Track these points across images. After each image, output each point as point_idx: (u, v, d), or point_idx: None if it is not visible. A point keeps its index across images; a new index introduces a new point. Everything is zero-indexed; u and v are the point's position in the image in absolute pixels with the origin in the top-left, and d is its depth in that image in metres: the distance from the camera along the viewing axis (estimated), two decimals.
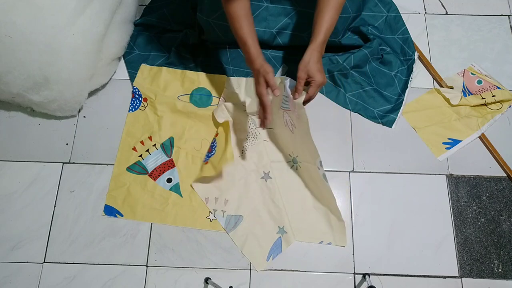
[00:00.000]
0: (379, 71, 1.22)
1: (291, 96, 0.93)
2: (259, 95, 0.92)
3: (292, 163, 1.13)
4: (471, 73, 1.18)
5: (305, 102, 0.94)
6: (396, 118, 1.17)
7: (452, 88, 1.20)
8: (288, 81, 0.94)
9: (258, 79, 0.91)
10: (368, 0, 1.26)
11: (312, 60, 0.89)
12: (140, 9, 1.34)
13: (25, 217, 1.09)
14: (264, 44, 1.20)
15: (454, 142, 1.13)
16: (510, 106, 1.17)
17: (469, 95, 1.18)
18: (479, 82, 1.19)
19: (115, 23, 1.18)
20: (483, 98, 1.16)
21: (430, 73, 1.25)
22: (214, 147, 1.13)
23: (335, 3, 0.89)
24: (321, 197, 1.09)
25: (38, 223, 1.08)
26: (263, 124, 0.95)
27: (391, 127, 1.17)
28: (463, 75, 1.20)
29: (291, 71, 1.21)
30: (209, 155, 1.12)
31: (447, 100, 1.18)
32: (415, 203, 1.10)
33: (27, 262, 1.05)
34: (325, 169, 1.03)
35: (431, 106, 1.19)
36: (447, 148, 1.13)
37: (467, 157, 1.15)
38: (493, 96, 1.15)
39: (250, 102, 1.17)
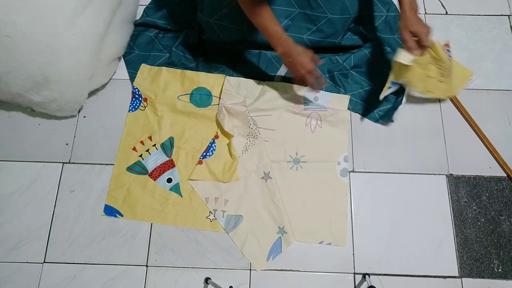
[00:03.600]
0: (379, 70, 1.21)
1: None
2: (311, 71, 1.03)
3: (293, 164, 1.13)
4: (447, 49, 1.13)
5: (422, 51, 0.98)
6: (396, 118, 1.17)
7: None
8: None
9: (303, 57, 1.01)
10: (368, 0, 1.26)
11: (412, 19, 0.95)
12: (140, 9, 1.34)
13: (25, 217, 1.09)
14: (265, 45, 1.20)
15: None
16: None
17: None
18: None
19: (115, 23, 1.18)
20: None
21: None
22: (211, 148, 1.13)
23: None
24: (323, 197, 1.09)
25: (38, 223, 1.08)
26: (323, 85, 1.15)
27: (392, 121, 1.16)
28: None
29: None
30: (205, 154, 1.12)
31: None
32: (415, 203, 1.10)
33: (27, 262, 1.05)
34: None
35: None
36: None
37: (467, 157, 1.15)
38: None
39: (251, 102, 1.17)
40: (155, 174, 1.13)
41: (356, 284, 1.03)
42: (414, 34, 0.95)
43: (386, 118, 1.17)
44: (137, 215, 1.09)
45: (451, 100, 1.21)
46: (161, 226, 1.08)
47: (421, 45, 0.97)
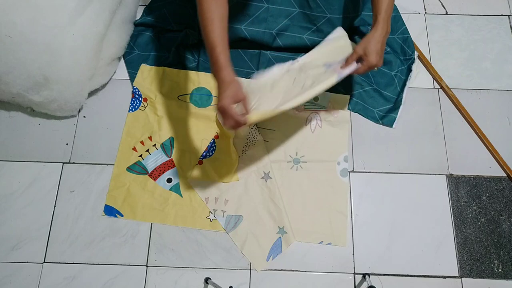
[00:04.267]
0: (379, 71, 1.22)
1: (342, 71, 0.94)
2: (222, 109, 0.79)
3: (293, 164, 1.13)
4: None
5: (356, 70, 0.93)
6: (396, 118, 1.17)
7: None
8: None
9: (224, 90, 0.79)
10: (368, 0, 1.26)
11: (373, 39, 0.89)
12: (140, 9, 1.34)
13: (25, 217, 1.09)
14: (264, 45, 1.20)
15: None
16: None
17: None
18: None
19: (115, 23, 1.18)
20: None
21: (430, 73, 1.25)
22: (211, 148, 1.13)
23: None
24: (323, 197, 1.09)
25: (38, 223, 1.08)
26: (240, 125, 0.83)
27: (391, 126, 1.17)
28: None
29: None
30: (205, 154, 1.12)
31: None
32: (415, 203, 1.10)
33: (27, 262, 1.05)
34: None
35: None
36: None
37: (467, 157, 1.15)
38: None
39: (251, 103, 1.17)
40: (155, 174, 1.13)
41: (356, 284, 1.03)
42: (364, 56, 0.91)
43: (387, 121, 1.17)
44: (137, 215, 1.09)
45: (451, 100, 1.21)
46: (161, 226, 1.08)
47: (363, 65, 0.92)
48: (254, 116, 0.83)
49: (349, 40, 1.08)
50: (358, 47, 0.92)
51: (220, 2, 0.82)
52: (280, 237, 1.06)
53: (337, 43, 1.07)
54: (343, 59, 0.98)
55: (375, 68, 0.93)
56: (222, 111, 0.80)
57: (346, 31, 1.21)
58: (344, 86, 1.21)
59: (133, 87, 1.22)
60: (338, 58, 1.00)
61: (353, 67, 0.93)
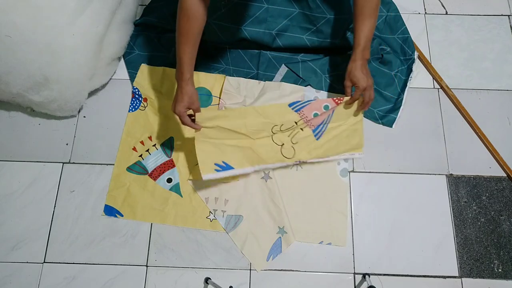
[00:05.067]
0: (379, 71, 1.22)
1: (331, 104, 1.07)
2: (178, 114, 0.93)
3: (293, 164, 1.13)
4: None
5: (363, 106, 1.05)
6: (396, 118, 1.17)
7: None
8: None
9: (181, 99, 0.92)
10: None
11: (354, 69, 0.98)
12: (140, 9, 1.34)
13: (25, 217, 1.09)
14: (264, 46, 1.20)
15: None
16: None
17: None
18: (315, 114, 1.09)
19: (115, 23, 1.18)
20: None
21: (430, 73, 1.25)
22: None
23: (370, 10, 0.95)
24: (323, 197, 1.09)
25: (38, 223, 1.09)
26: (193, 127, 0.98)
27: (391, 126, 1.17)
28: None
29: (290, 72, 1.21)
30: None
31: None
32: (415, 203, 1.10)
33: (27, 262, 1.05)
34: None
35: None
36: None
37: (467, 157, 1.15)
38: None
39: (251, 102, 1.17)
40: (155, 174, 1.13)
41: (356, 284, 1.03)
42: (354, 84, 1.00)
43: (386, 121, 1.17)
44: (137, 215, 1.09)
45: (451, 100, 1.21)
46: (161, 226, 1.08)
47: (355, 98, 1.04)
48: (199, 117, 0.96)
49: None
50: (345, 81, 1.01)
51: (196, 21, 0.89)
52: (280, 237, 1.06)
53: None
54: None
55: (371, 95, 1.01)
56: (178, 116, 0.94)
57: (346, 31, 1.21)
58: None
59: (133, 87, 1.22)
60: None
61: (347, 98, 1.06)
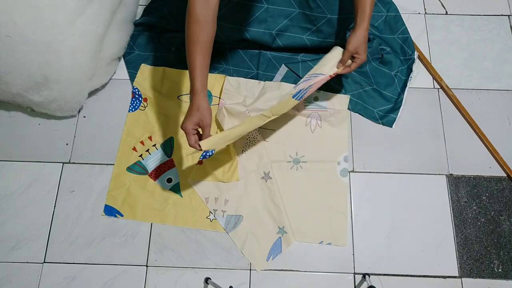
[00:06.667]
0: (379, 71, 1.22)
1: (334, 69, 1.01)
2: (185, 130, 0.85)
3: (293, 164, 1.13)
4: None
5: (347, 70, 1.00)
6: (396, 118, 1.17)
7: None
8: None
9: (191, 114, 0.85)
10: None
11: (362, 38, 0.94)
12: (140, 9, 1.34)
13: (25, 217, 1.09)
14: (264, 46, 1.20)
15: None
16: None
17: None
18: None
19: (115, 23, 1.18)
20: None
21: (430, 73, 1.25)
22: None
23: None
24: (323, 197, 1.09)
25: (38, 223, 1.09)
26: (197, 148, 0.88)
27: (391, 126, 1.17)
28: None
29: (290, 72, 1.21)
30: (204, 154, 1.12)
31: None
32: (415, 203, 1.10)
33: (27, 262, 1.05)
34: None
35: None
36: None
37: (467, 157, 1.15)
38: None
39: (251, 102, 1.17)
40: (155, 174, 1.13)
41: (356, 284, 1.03)
42: (356, 54, 0.97)
43: (386, 121, 1.17)
44: (137, 215, 1.09)
45: (451, 100, 1.21)
46: (161, 226, 1.08)
47: (348, 66, 1.00)
48: (205, 144, 0.86)
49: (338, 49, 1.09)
50: (350, 46, 0.96)
51: (207, 27, 0.84)
52: (280, 237, 1.06)
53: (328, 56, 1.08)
54: (331, 65, 1.01)
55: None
56: (184, 131, 0.86)
57: (346, 31, 1.22)
58: (344, 86, 1.21)
59: (133, 87, 1.22)
60: (322, 69, 1.03)
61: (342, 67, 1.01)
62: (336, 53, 1.03)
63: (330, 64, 1.02)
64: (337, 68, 1.00)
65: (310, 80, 1.02)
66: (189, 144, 0.86)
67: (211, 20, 0.85)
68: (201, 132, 0.88)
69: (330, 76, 1.02)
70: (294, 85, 1.20)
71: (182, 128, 0.86)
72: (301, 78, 1.19)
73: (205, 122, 0.86)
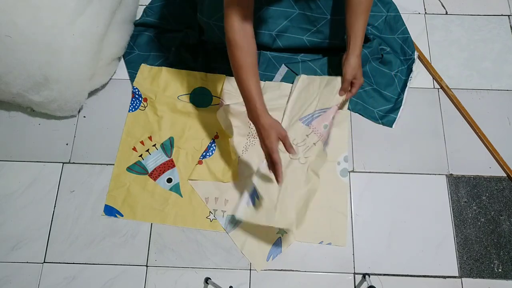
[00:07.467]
0: (379, 71, 1.22)
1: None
2: (269, 151, 0.86)
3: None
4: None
5: (349, 96, 1.11)
6: (396, 118, 1.17)
7: None
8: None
9: (267, 133, 0.85)
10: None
11: (359, 65, 1.03)
12: (140, 9, 1.34)
13: (25, 217, 1.09)
14: (264, 47, 1.20)
15: None
16: None
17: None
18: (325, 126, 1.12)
19: (115, 23, 1.18)
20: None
21: (430, 73, 1.25)
22: (210, 148, 1.13)
23: (365, 8, 0.98)
24: (323, 197, 1.09)
25: (38, 223, 1.09)
26: (279, 179, 0.88)
27: (391, 126, 1.17)
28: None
29: (290, 72, 1.21)
30: (205, 154, 1.12)
31: None
32: (415, 203, 1.10)
33: (27, 262, 1.05)
34: None
35: None
36: None
37: (467, 157, 1.15)
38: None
39: None
40: (155, 174, 1.13)
41: (356, 284, 1.03)
42: (354, 79, 1.06)
43: (386, 121, 1.17)
44: (137, 215, 1.09)
45: (451, 100, 1.21)
46: (161, 226, 1.08)
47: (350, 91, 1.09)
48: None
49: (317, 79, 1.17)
50: (348, 76, 1.04)
51: (250, 50, 0.86)
52: (280, 237, 1.06)
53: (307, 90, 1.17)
54: (334, 96, 1.13)
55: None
56: (270, 152, 0.86)
57: (345, 32, 1.21)
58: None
59: (133, 87, 1.22)
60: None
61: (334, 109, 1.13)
62: (335, 83, 1.13)
63: (333, 96, 1.12)
64: (340, 95, 1.11)
65: (320, 116, 1.12)
66: (274, 161, 0.86)
67: (252, 43, 0.87)
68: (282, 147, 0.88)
69: (337, 105, 1.12)
70: (292, 84, 1.20)
71: (267, 149, 0.86)
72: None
73: (283, 133, 0.86)
